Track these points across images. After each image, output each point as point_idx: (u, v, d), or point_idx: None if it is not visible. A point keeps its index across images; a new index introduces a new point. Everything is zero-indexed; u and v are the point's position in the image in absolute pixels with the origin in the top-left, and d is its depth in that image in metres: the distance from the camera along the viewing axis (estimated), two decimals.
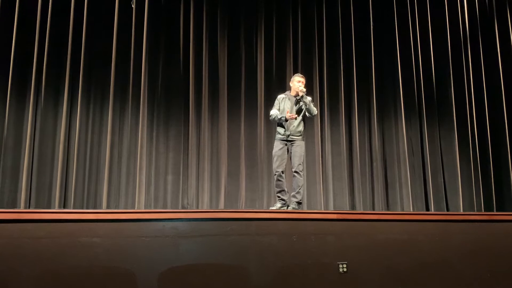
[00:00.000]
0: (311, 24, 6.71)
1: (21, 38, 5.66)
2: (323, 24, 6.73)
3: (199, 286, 3.56)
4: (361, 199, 6.38)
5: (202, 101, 6.23)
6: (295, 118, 4.67)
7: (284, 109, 4.74)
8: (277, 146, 4.69)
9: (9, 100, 5.48)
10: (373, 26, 6.81)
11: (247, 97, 6.43)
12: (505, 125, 6.73)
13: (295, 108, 4.74)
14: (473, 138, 6.70)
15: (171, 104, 6.22)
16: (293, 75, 5.05)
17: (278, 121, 4.74)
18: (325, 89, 6.60)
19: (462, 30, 7.03)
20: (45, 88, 5.65)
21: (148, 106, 6.01)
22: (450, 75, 6.81)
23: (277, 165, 4.64)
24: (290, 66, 6.56)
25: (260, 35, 6.57)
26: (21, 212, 3.75)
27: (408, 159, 6.51)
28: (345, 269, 3.79)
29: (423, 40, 6.89)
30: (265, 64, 6.50)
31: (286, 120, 4.64)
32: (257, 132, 6.34)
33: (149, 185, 5.91)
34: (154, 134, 6.10)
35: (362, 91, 6.71)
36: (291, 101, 4.78)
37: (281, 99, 4.83)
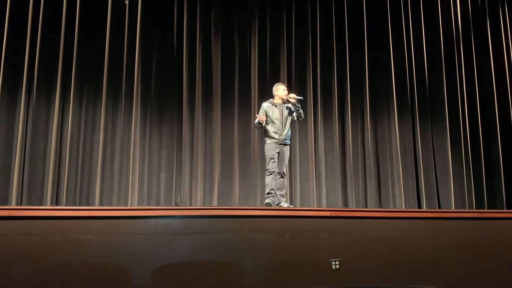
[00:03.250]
0: (305, 22, 6.72)
1: (13, 34, 5.61)
2: (317, 22, 6.74)
3: (192, 283, 3.56)
4: (353, 196, 6.41)
5: (196, 99, 6.22)
6: (265, 121, 4.83)
7: (275, 116, 4.90)
8: (274, 149, 4.83)
9: (0, 96, 5.43)
10: (366, 24, 6.84)
11: (241, 94, 6.42)
12: (496, 123, 6.79)
13: (285, 113, 4.94)
14: (465, 136, 6.75)
15: (164, 101, 6.20)
16: (276, 84, 5.15)
17: (259, 128, 4.95)
18: (318, 87, 6.62)
19: (455, 28, 7.08)
20: (37, 85, 5.61)
21: (141, 103, 5.98)
22: (442, 73, 6.85)
23: (274, 166, 4.80)
24: (284, 64, 6.56)
25: (253, 33, 6.56)
26: (13, 209, 3.73)
27: (400, 156, 6.54)
28: (337, 266, 3.81)
29: (416, 38, 6.93)
30: (258, 61, 6.50)
31: (260, 124, 4.83)
32: (250, 130, 6.34)
33: (142, 183, 5.89)
34: (147, 131, 6.09)
35: (355, 88, 6.73)
36: (278, 109, 4.95)
37: (267, 107, 4.96)
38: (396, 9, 6.96)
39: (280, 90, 5.02)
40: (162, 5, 6.35)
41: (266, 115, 4.91)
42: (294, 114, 4.96)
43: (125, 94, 5.94)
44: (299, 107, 4.93)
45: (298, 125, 6.49)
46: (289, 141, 4.97)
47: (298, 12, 6.76)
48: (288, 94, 4.97)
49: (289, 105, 4.97)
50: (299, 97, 4.94)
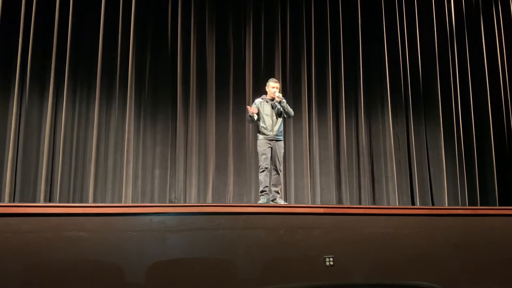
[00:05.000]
0: (300, 20, 6.72)
1: (5, 29, 5.55)
2: (311, 20, 6.75)
3: (186, 280, 3.56)
4: (348, 193, 6.43)
5: (190, 95, 6.20)
6: (256, 114, 4.87)
7: (266, 112, 4.92)
8: (264, 144, 4.86)
9: None
10: (361, 21, 6.85)
11: (235, 91, 6.42)
12: (489, 121, 6.84)
13: (275, 110, 4.93)
14: (458, 133, 6.80)
15: (158, 98, 6.17)
16: (268, 80, 5.14)
17: (250, 121, 4.99)
18: (313, 84, 6.63)
19: (449, 26, 7.11)
20: (30, 81, 5.57)
21: (135, 99, 5.96)
22: (436, 71, 6.89)
23: (266, 163, 4.81)
24: (278, 61, 6.56)
25: (248, 30, 6.55)
26: (6, 206, 3.70)
27: (394, 154, 6.58)
28: (331, 263, 3.83)
29: (410, 36, 6.95)
30: (253, 58, 6.49)
31: (251, 117, 4.87)
32: (245, 127, 6.33)
33: (136, 179, 5.87)
34: (141, 128, 6.06)
35: (349, 86, 6.76)
36: (269, 104, 4.98)
37: (259, 103, 5.00)
38: (390, 7, 6.97)
39: (269, 86, 5.04)
40: (156, 2, 6.31)
41: (258, 111, 4.94)
42: (283, 112, 4.94)
43: (119, 91, 5.91)
44: (283, 106, 4.89)
45: (293, 122, 6.50)
46: (281, 137, 4.98)
47: (293, 9, 6.76)
48: (275, 92, 4.95)
49: (277, 102, 4.94)
50: (281, 98, 4.89)
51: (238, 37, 6.55)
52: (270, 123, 4.88)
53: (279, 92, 4.99)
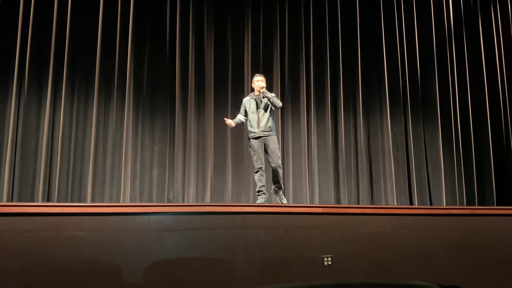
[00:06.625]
0: (298, 19, 6.72)
1: (3, 28, 5.55)
2: (310, 20, 6.75)
3: (185, 279, 3.56)
4: (346, 193, 6.44)
5: (189, 95, 6.20)
6: (230, 124, 4.94)
7: (252, 110, 4.87)
8: (254, 144, 4.80)
9: None
10: (359, 21, 6.85)
11: (234, 90, 6.41)
12: (487, 121, 6.86)
13: (261, 105, 4.85)
14: (456, 133, 6.81)
15: (157, 97, 6.16)
16: (254, 75, 5.07)
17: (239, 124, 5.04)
18: (311, 84, 6.63)
19: (447, 26, 7.12)
20: (28, 80, 5.55)
21: (133, 98, 5.95)
22: (434, 70, 6.91)
23: (259, 163, 4.76)
24: (277, 61, 6.56)
25: (247, 29, 6.55)
26: (4, 205, 3.69)
27: (392, 153, 6.59)
28: (329, 262, 3.83)
29: (408, 35, 6.96)
30: (252, 58, 6.48)
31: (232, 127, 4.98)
32: (243, 126, 6.32)
33: (134, 179, 5.87)
34: (140, 127, 6.05)
35: (348, 86, 6.76)
36: (255, 101, 4.91)
37: (245, 102, 4.99)
38: (389, 7, 6.98)
39: (254, 81, 4.96)
40: (155, 1, 6.30)
41: (245, 111, 4.92)
42: (270, 104, 4.81)
43: (117, 90, 5.90)
44: (267, 96, 4.76)
45: (291, 121, 6.51)
46: (271, 132, 4.81)
47: (291, 9, 6.75)
48: (260, 84, 4.85)
49: (262, 95, 4.84)
50: (264, 88, 4.81)
51: (237, 36, 6.54)
52: (256, 119, 4.78)
53: (264, 84, 4.87)
